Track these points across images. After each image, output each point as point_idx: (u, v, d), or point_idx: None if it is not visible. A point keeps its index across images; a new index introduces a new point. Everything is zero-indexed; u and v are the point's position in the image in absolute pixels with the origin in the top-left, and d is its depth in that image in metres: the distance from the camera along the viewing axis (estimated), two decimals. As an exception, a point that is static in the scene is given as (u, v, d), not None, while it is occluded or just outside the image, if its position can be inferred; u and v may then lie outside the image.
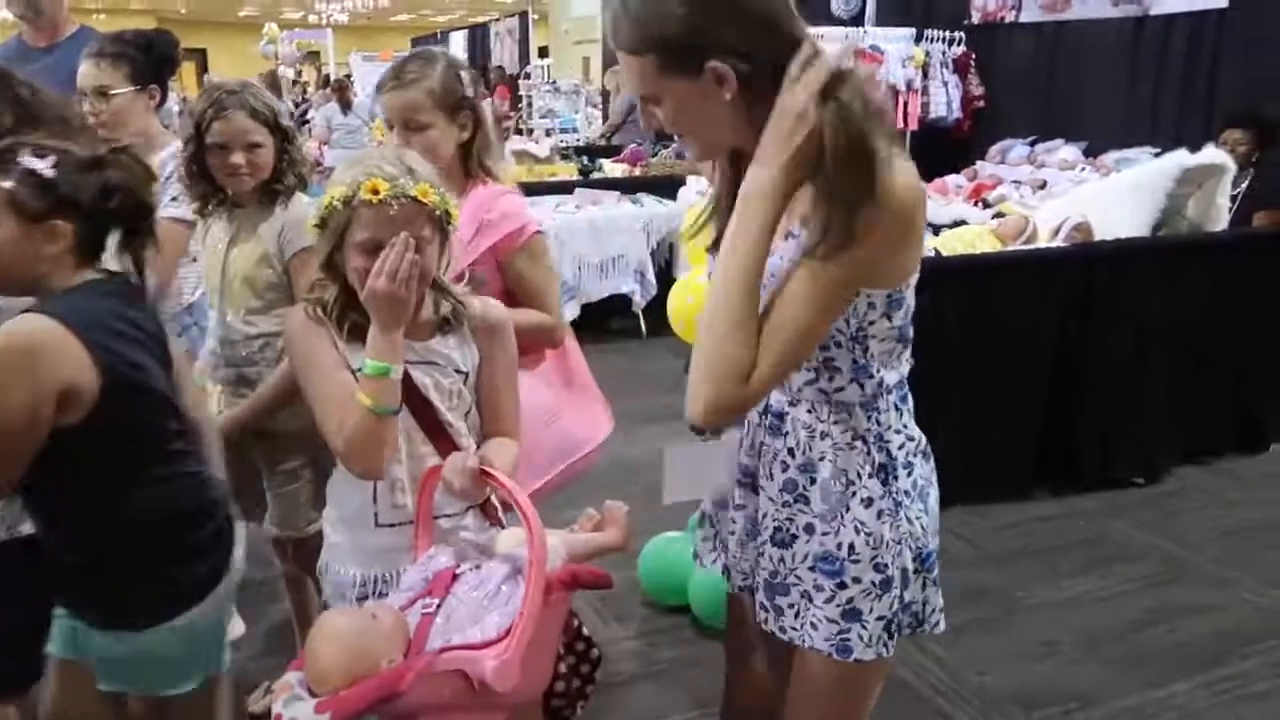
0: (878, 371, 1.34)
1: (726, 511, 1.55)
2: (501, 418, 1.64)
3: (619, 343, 6.05)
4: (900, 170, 1.20)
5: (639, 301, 5.96)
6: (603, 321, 6.13)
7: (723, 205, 1.34)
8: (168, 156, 2.52)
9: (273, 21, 16.50)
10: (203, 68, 23.80)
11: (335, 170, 1.51)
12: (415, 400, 1.53)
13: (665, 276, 5.97)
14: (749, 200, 1.21)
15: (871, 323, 1.30)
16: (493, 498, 1.63)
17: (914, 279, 1.32)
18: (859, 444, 1.35)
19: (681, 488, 1.51)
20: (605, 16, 1.28)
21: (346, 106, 9.58)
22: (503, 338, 1.64)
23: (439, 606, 1.38)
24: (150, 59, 2.53)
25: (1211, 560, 3.26)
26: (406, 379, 1.50)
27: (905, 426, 1.39)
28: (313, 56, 19.46)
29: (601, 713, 2.45)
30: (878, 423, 1.36)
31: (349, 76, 12.39)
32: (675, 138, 1.36)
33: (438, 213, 1.48)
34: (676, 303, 2.81)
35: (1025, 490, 3.75)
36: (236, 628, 2.78)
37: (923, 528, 1.40)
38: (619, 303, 6.01)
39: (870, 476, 1.35)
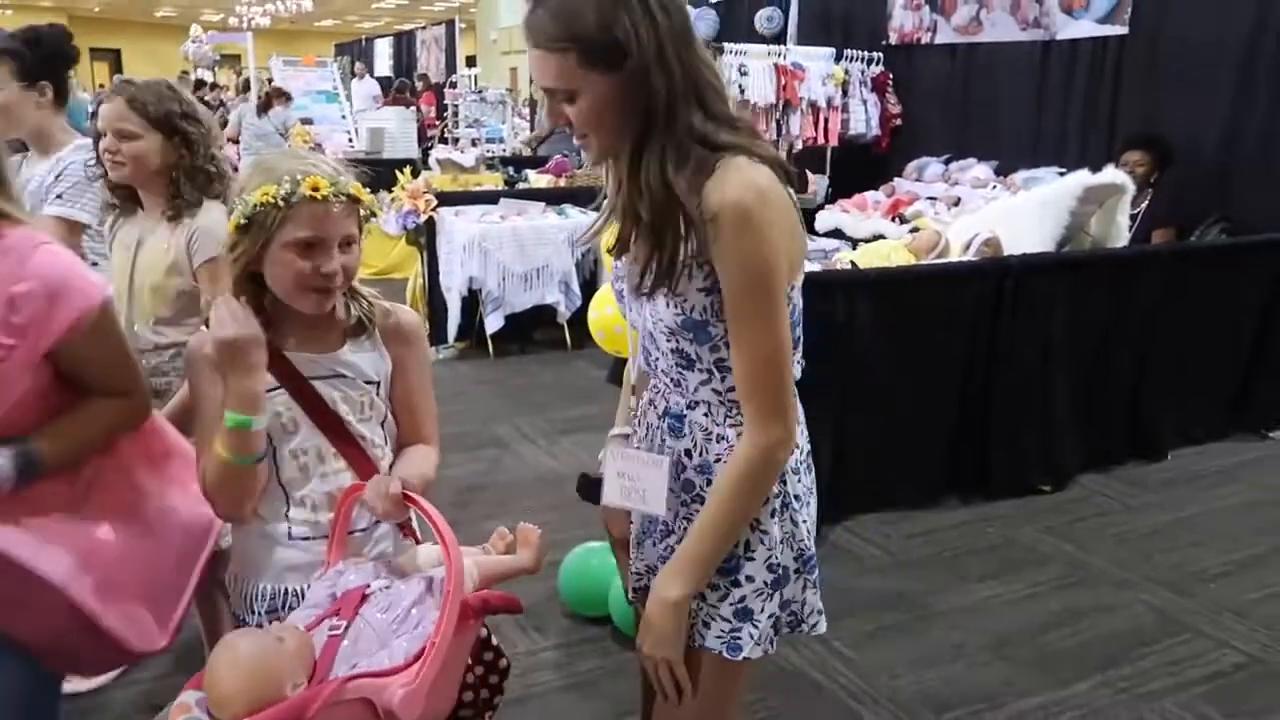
0: None
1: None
2: (418, 424, 1.63)
3: (543, 354, 6.06)
4: (729, 179, 1.26)
5: (563, 313, 5.97)
6: (527, 332, 6.13)
7: (620, 207, 1.37)
8: (66, 153, 2.46)
9: (195, 23, 16.13)
10: (116, 68, 23.12)
11: (246, 179, 1.48)
12: (324, 415, 1.51)
13: (590, 288, 6.00)
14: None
15: None
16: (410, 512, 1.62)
17: (799, 281, 1.37)
18: None
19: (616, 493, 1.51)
20: (525, 17, 1.30)
21: (265, 109, 9.44)
22: (415, 341, 1.64)
23: (347, 628, 1.36)
24: (37, 54, 2.47)
25: (1113, 563, 3.39)
26: (312, 394, 1.49)
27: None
28: (232, 60, 19.05)
29: (521, 723, 2.46)
30: None
31: (270, 81, 12.15)
32: (574, 138, 1.37)
33: (364, 212, 1.48)
34: (597, 313, 2.83)
35: (936, 498, 3.85)
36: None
37: (806, 531, 1.44)
38: (543, 314, 6.01)
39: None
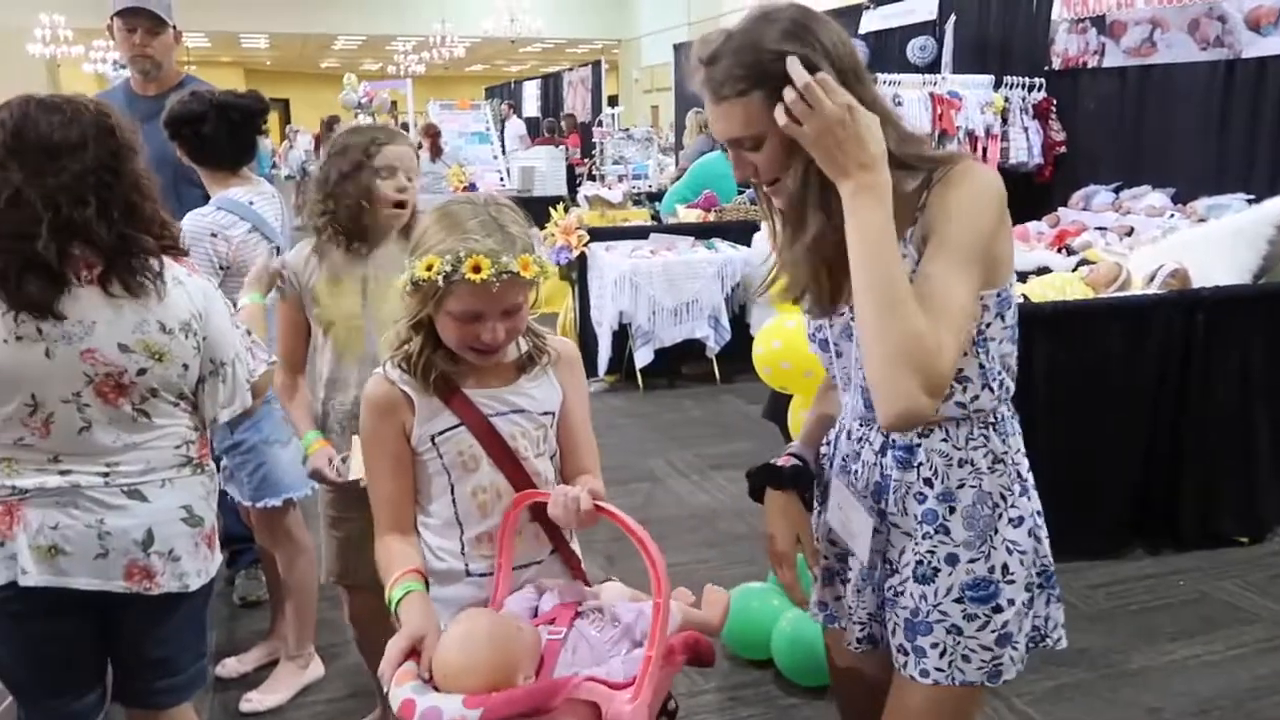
0: (1001, 373, 1.37)
1: (843, 561, 1.52)
2: (581, 456, 1.61)
3: (692, 389, 6.02)
4: (965, 176, 1.29)
5: (713, 347, 5.93)
6: (676, 367, 6.11)
7: (810, 253, 1.36)
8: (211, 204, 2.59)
9: (352, 73, 17.03)
10: (285, 116, 24.66)
11: (425, 228, 1.46)
12: (501, 452, 1.50)
13: (739, 322, 5.94)
14: (858, 201, 1.23)
15: (988, 324, 1.33)
16: (575, 546, 1.59)
17: (1013, 277, 1.37)
18: (999, 466, 1.38)
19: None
20: (696, 79, 1.33)
21: (436, 154, 9.76)
22: (578, 370, 1.64)
23: (565, 637, 1.36)
24: (170, 122, 2.59)
25: (1327, 626, 3.08)
26: (492, 431, 1.49)
27: (1021, 448, 1.43)
28: (390, 106, 20.02)
29: (684, 769, 2.38)
30: (1009, 445, 1.40)
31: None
32: (758, 189, 1.38)
33: (534, 279, 1.46)
34: (763, 347, 2.76)
35: (1120, 547, 3.59)
36: (315, 669, 2.78)
37: (1047, 545, 1.44)
38: (692, 348, 5.98)
39: (1020, 494, 1.39)
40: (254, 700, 2.67)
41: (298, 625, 2.73)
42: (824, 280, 1.37)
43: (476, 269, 1.38)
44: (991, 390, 1.35)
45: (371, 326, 2.11)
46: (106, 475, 1.67)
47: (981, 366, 1.34)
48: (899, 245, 1.27)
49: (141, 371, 1.67)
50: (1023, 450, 1.43)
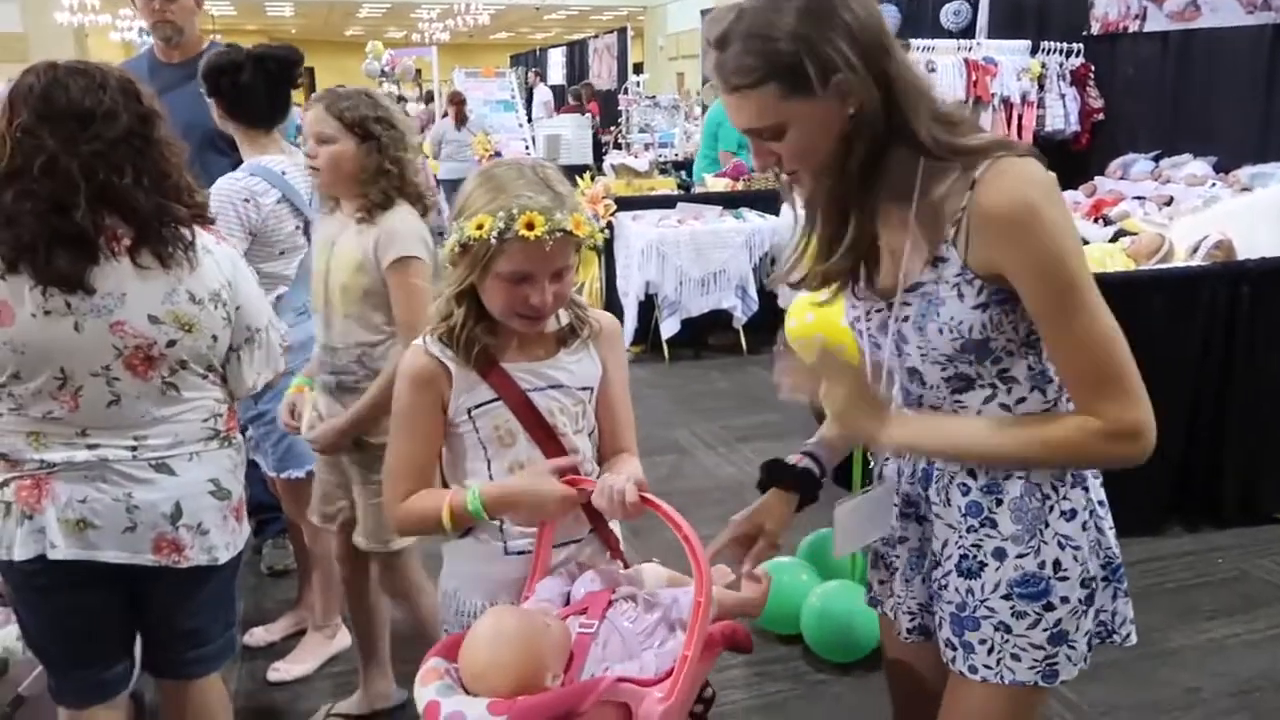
0: (1054, 376, 1.28)
1: (891, 548, 1.47)
2: (619, 432, 1.59)
3: (718, 359, 5.97)
4: (1005, 180, 1.17)
5: (739, 318, 5.87)
6: (702, 337, 6.06)
7: (851, 241, 1.27)
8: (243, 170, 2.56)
9: (377, 40, 16.94)
10: (311, 84, 24.64)
11: (469, 191, 1.43)
12: (541, 429, 1.47)
13: (766, 293, 5.86)
14: (904, 447, 1.33)
15: None
16: (615, 529, 1.56)
17: None
18: None
19: (851, 540, 1.45)
20: (707, 62, 1.23)
21: (461, 122, 9.67)
22: (619, 345, 1.61)
23: (598, 629, 1.32)
24: (207, 75, 2.55)
25: (1371, 607, 3.00)
26: (530, 407, 1.46)
27: None
28: (415, 74, 19.92)
29: (713, 745, 2.36)
30: None
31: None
32: (781, 178, 1.30)
33: (583, 242, 1.43)
34: (796, 320, 2.69)
35: (1158, 524, 3.52)
36: (342, 639, 2.78)
37: (1112, 537, 1.35)
38: (719, 319, 5.92)
39: (1073, 486, 1.29)
40: (281, 670, 2.67)
41: (324, 595, 2.72)
42: (860, 275, 1.31)
43: (530, 226, 1.35)
44: (1042, 393, 1.28)
45: (320, 286, 2.18)
46: (134, 449, 1.65)
47: (1030, 368, 1.27)
48: (941, 248, 1.20)
49: (171, 343, 1.64)
50: None
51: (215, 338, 1.70)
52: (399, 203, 2.11)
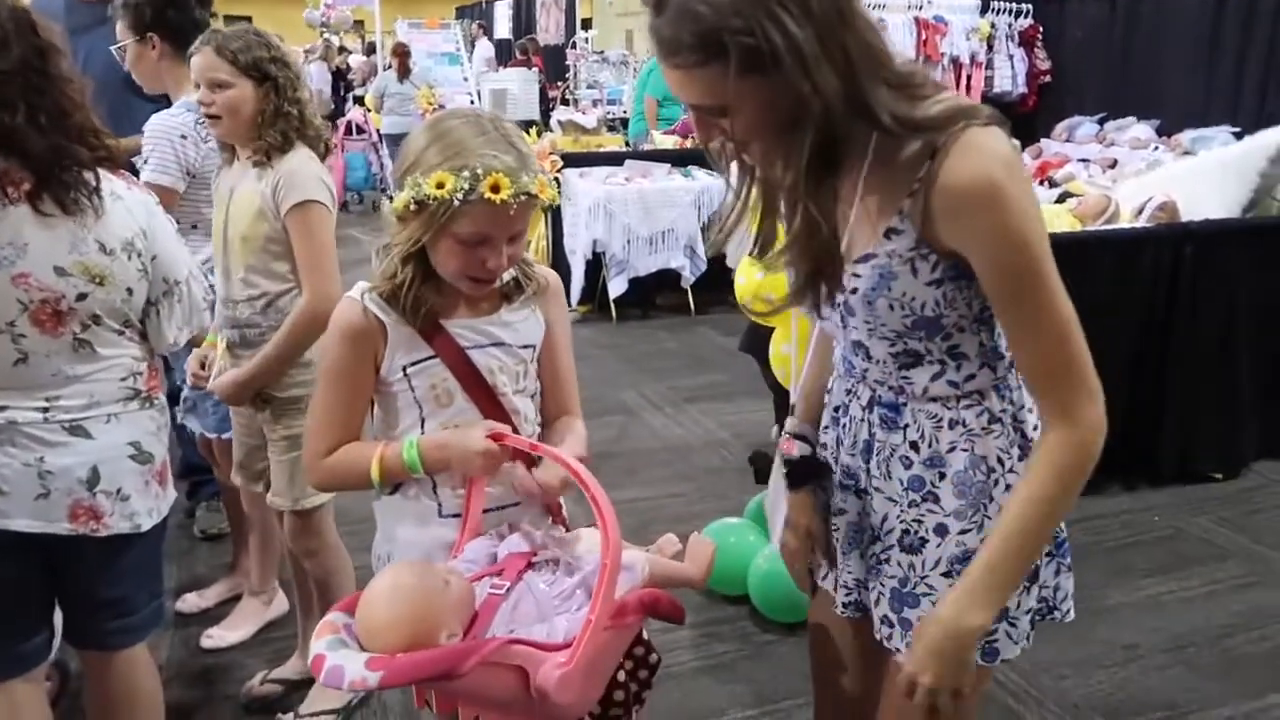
0: (1007, 351, 1.23)
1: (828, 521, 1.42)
2: (564, 393, 1.54)
3: (665, 319, 5.94)
4: (968, 156, 1.08)
5: (688, 277, 5.82)
6: (650, 297, 6.01)
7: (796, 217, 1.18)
8: (168, 112, 2.44)
9: (317, -12, 16.41)
10: (247, 35, 23.82)
11: (421, 146, 1.33)
12: (480, 388, 1.42)
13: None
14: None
15: None
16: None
17: None
18: (996, 427, 1.23)
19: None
20: (652, 40, 1.11)
21: (405, 74, 9.42)
22: (561, 302, 1.55)
23: (509, 590, 1.27)
24: (151, 7, 2.42)
25: (1301, 562, 3.08)
26: (469, 366, 1.40)
27: (1033, 406, 1.24)
28: (357, 25, 19.36)
29: (658, 705, 2.33)
30: (1011, 401, 1.24)
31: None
32: (724, 155, 1.20)
33: (542, 205, 1.36)
34: (745, 277, 2.65)
35: (1096, 483, 3.52)
36: (279, 604, 2.71)
37: None
38: (667, 278, 5.87)
39: (1020, 458, 1.23)
40: (215, 637, 2.59)
41: (261, 560, 2.64)
42: (818, 282, 1.22)
43: (495, 188, 1.27)
44: (992, 370, 1.22)
45: (219, 240, 2.12)
46: (46, 410, 1.55)
47: (982, 345, 1.21)
48: (894, 219, 1.13)
49: (81, 297, 1.54)
50: (1028, 408, 1.25)
51: (130, 290, 1.60)
52: (298, 145, 2.03)
